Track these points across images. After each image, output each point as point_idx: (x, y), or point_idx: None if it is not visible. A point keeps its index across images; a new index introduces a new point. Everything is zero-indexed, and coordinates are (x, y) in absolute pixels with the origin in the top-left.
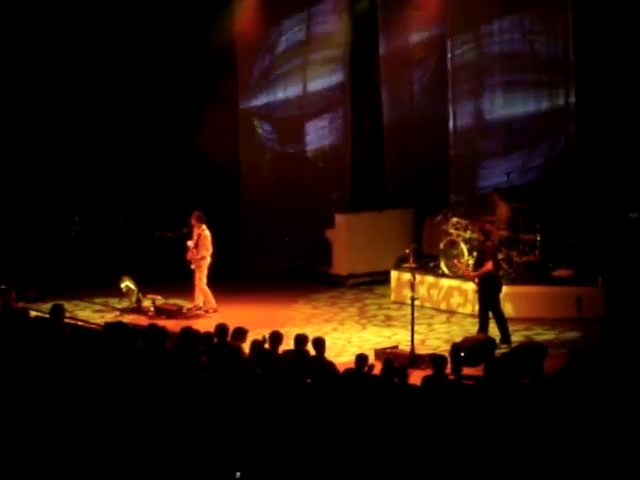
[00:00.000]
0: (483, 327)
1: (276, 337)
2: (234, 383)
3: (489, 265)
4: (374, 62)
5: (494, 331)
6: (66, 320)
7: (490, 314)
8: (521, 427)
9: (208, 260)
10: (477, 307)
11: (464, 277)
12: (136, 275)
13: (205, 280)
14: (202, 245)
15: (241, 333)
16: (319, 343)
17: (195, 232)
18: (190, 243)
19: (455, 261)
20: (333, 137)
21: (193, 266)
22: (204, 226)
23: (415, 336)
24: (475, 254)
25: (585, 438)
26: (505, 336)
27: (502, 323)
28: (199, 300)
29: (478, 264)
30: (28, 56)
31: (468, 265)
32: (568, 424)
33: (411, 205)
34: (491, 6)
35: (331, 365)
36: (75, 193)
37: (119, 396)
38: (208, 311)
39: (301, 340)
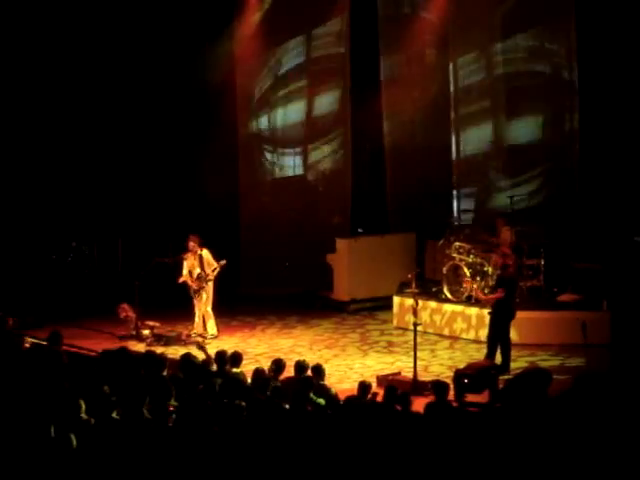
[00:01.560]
0: (491, 353)
1: (279, 364)
2: (235, 411)
3: (500, 293)
4: (375, 86)
5: (498, 356)
6: (64, 347)
7: None
8: (525, 454)
9: (212, 279)
10: (480, 333)
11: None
12: (134, 301)
13: (210, 305)
14: (208, 264)
15: (237, 358)
16: (319, 370)
17: (192, 257)
18: (184, 278)
19: (465, 283)
20: (334, 161)
21: (199, 291)
22: (204, 248)
23: (418, 362)
24: (478, 279)
25: (590, 462)
26: (506, 365)
27: (507, 351)
28: (199, 327)
29: (495, 288)
30: (27, 78)
31: (483, 289)
32: (572, 450)
33: (413, 229)
34: (493, 28)
35: (331, 392)
36: (72, 218)
37: (116, 424)
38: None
39: (302, 367)
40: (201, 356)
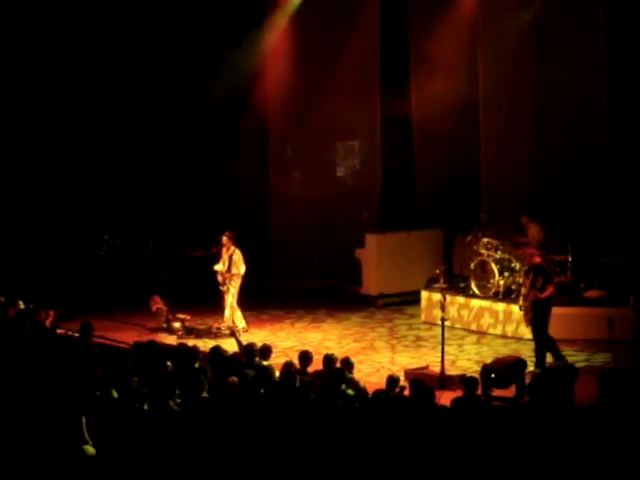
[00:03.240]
0: (555, 355)
1: (306, 357)
2: (265, 403)
3: (551, 289)
4: (405, 82)
5: (525, 351)
6: (95, 339)
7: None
8: (553, 450)
9: (239, 280)
10: (507, 328)
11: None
12: (165, 294)
13: (236, 299)
14: (234, 265)
15: (266, 351)
16: (348, 363)
17: (226, 253)
18: (218, 267)
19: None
20: (363, 157)
21: (224, 287)
22: (234, 247)
23: (445, 357)
24: (506, 274)
25: (617, 462)
26: (541, 361)
27: (545, 348)
28: (229, 320)
29: (533, 287)
30: (61, 76)
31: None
32: (599, 448)
33: (441, 225)
34: (522, 32)
35: (359, 386)
36: (105, 212)
37: (147, 414)
38: (233, 330)
39: (330, 360)
40: (233, 347)
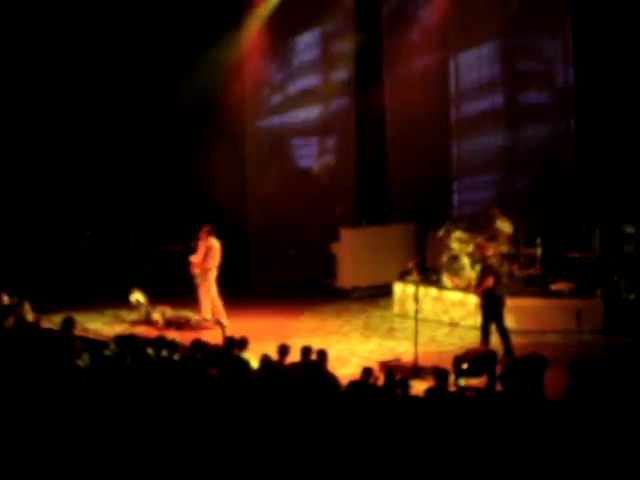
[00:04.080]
0: (485, 340)
1: (284, 349)
2: (243, 394)
3: (489, 281)
4: (378, 80)
5: (496, 343)
6: (77, 332)
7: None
8: (524, 439)
9: (214, 271)
10: (479, 320)
11: (465, 290)
12: (146, 288)
13: (214, 290)
14: (209, 256)
15: (243, 343)
16: (322, 355)
17: (202, 244)
18: (193, 258)
19: (455, 278)
20: (338, 153)
21: (198, 280)
22: (212, 238)
23: (418, 348)
24: (477, 268)
25: (589, 450)
26: (508, 350)
27: (505, 337)
28: (207, 312)
29: (480, 279)
30: (38, 69)
31: (469, 281)
32: (572, 437)
33: (414, 220)
34: (493, 29)
35: (333, 377)
36: (86, 207)
37: (128, 406)
38: (219, 321)
39: (307, 351)
40: (218, 338)
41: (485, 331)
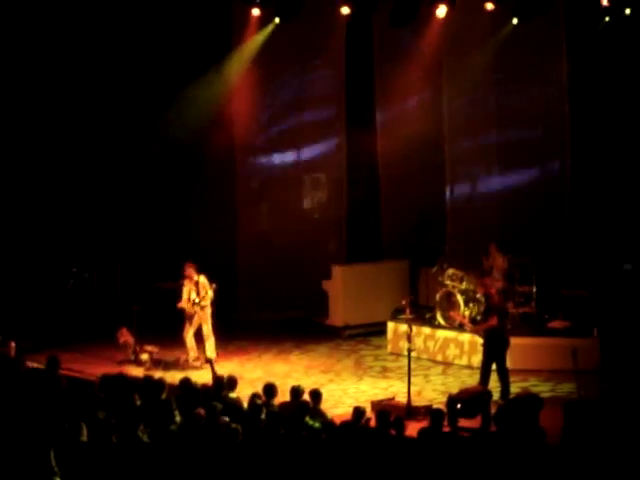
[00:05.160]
0: (484, 380)
1: (270, 389)
2: (231, 435)
3: (493, 320)
4: (370, 116)
5: (492, 383)
6: (62, 371)
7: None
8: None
9: (209, 308)
10: (473, 359)
11: (463, 328)
12: (133, 326)
13: (210, 327)
14: (203, 289)
15: (232, 383)
16: (316, 395)
17: (191, 282)
18: (182, 305)
19: (452, 313)
20: (330, 190)
21: (191, 316)
22: (202, 275)
23: (412, 388)
24: (472, 305)
25: None
26: (505, 392)
27: (505, 379)
28: (193, 351)
29: (485, 318)
30: (24, 104)
31: (464, 316)
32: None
33: (407, 257)
34: (486, 62)
35: (326, 417)
36: (73, 245)
37: (115, 447)
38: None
39: (297, 392)
40: (201, 379)
41: (485, 371)
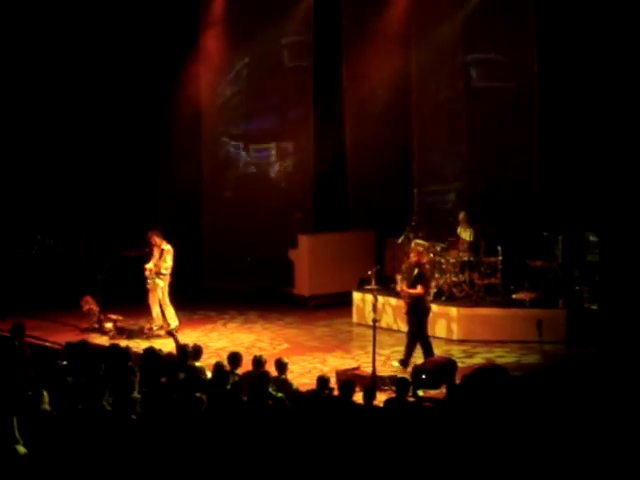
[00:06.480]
0: (427, 349)
1: (235, 358)
2: (196, 404)
3: (420, 289)
4: (338, 85)
5: (455, 352)
6: (27, 339)
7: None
8: (479, 449)
9: (168, 276)
10: (437, 329)
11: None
12: (97, 295)
13: (167, 297)
14: (165, 260)
15: (197, 352)
16: (281, 364)
17: (157, 249)
18: (148, 266)
19: (397, 276)
20: (297, 159)
21: (149, 285)
22: (164, 242)
23: (377, 357)
24: (437, 275)
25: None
26: (407, 359)
27: (413, 346)
28: (158, 319)
29: (413, 284)
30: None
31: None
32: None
33: (373, 227)
34: (454, 27)
35: (292, 387)
36: (37, 212)
37: (79, 416)
38: (171, 330)
39: (259, 362)
40: (165, 347)
41: (423, 339)
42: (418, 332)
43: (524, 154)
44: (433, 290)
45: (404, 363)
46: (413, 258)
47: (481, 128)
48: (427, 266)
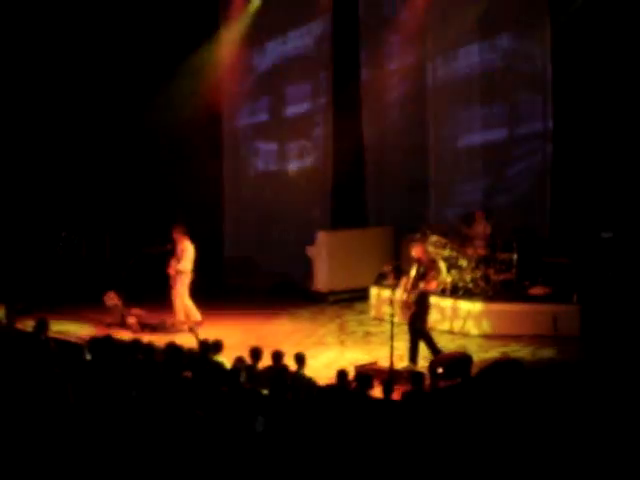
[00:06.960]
0: (432, 345)
1: (256, 352)
2: (218, 397)
3: (433, 284)
4: (356, 83)
5: (471, 347)
6: (51, 334)
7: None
8: (495, 442)
9: (189, 274)
10: (455, 324)
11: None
12: (121, 290)
13: (187, 294)
14: (185, 258)
15: (218, 346)
16: (300, 358)
17: (179, 246)
18: (172, 262)
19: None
20: (315, 156)
21: (172, 281)
22: (186, 240)
23: (394, 352)
24: (454, 272)
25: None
26: (413, 356)
27: (426, 343)
28: (180, 315)
29: (420, 280)
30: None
31: (445, 284)
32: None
33: (391, 223)
34: (469, 28)
35: (310, 381)
36: (63, 210)
37: (104, 409)
38: (192, 327)
39: (278, 356)
40: (193, 341)
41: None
42: (419, 328)
43: (538, 150)
44: (440, 287)
45: (413, 360)
46: (414, 254)
47: (497, 126)
48: (431, 262)
